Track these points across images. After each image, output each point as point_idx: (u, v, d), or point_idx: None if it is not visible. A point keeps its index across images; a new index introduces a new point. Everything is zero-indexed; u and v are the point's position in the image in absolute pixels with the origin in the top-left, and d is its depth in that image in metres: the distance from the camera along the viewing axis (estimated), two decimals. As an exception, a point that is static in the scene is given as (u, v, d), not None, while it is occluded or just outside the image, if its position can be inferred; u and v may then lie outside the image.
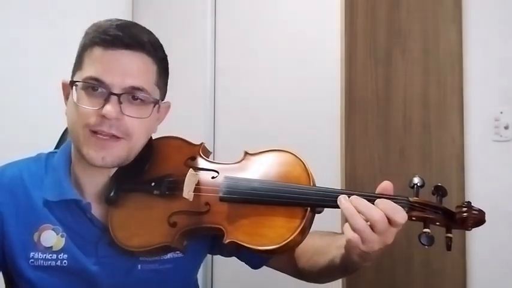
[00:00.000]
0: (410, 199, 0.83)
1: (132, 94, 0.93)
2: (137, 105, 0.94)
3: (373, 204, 0.81)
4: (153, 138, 1.05)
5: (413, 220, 0.82)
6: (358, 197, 0.82)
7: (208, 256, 1.88)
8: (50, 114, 1.78)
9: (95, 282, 0.96)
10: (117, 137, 0.93)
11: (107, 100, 0.91)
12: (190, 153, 1.01)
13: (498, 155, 1.73)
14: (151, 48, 0.96)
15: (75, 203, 0.97)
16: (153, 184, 0.96)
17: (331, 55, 1.57)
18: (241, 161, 0.98)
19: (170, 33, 2.07)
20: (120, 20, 0.98)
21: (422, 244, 0.80)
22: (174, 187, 0.95)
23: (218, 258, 1.89)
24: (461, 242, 1.73)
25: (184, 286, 1.07)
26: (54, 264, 0.95)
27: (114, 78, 0.92)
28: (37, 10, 2.07)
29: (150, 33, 0.99)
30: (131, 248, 0.93)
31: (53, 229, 0.96)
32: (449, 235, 0.83)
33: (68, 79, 0.98)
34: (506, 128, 1.71)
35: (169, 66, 1.04)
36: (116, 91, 0.92)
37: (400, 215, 0.80)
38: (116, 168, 0.99)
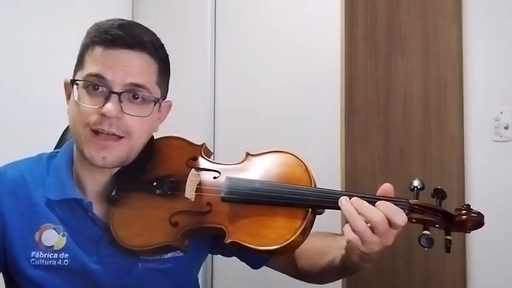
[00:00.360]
0: (411, 201, 0.84)
1: (133, 92, 0.95)
2: (138, 104, 0.95)
3: (374, 206, 0.82)
4: (155, 138, 1.05)
5: (413, 222, 0.84)
6: (359, 198, 0.83)
7: (208, 256, 1.88)
8: (50, 114, 1.79)
9: (96, 281, 0.97)
10: (118, 137, 0.94)
11: (107, 99, 0.92)
12: (192, 153, 1.02)
13: (498, 155, 1.73)
14: (153, 47, 0.97)
15: (77, 202, 0.98)
16: (154, 184, 0.97)
17: (331, 55, 1.57)
18: (242, 161, 0.99)
19: (170, 33, 2.07)
20: (122, 19, 0.99)
21: (422, 246, 0.82)
22: (175, 187, 0.96)
23: (218, 258, 1.90)
24: (461, 242, 1.74)
25: (184, 285, 1.07)
26: (55, 263, 0.96)
27: (115, 75, 0.93)
28: (37, 10, 2.07)
29: (151, 33, 1.00)
30: (132, 247, 0.94)
31: (54, 228, 0.97)
32: (448, 237, 0.84)
33: (70, 78, 0.99)
34: (506, 128, 1.71)
35: (169, 67, 1.05)
36: (116, 89, 0.93)
37: (400, 217, 0.81)
38: (117, 168, 0.99)
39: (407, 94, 1.69)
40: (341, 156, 1.54)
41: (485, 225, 1.82)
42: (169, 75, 1.05)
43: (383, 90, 1.65)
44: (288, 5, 1.74)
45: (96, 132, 0.93)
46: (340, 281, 1.51)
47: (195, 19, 2.03)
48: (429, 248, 0.81)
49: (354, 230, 0.81)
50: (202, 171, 0.98)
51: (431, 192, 0.87)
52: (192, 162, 1.00)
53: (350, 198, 0.84)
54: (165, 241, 0.92)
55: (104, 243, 0.97)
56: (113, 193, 0.97)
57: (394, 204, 0.82)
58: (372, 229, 0.81)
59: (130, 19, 2.33)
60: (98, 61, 0.94)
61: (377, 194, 0.86)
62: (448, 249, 0.83)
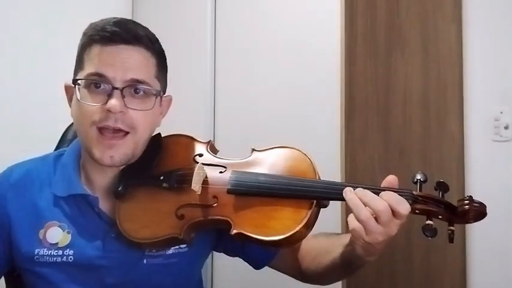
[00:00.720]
0: (414, 192, 0.86)
1: (134, 87, 0.96)
2: (140, 98, 0.97)
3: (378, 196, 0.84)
4: (162, 136, 1.08)
5: (416, 213, 0.85)
6: (363, 188, 0.85)
7: (208, 257, 1.88)
8: (50, 114, 1.79)
9: (101, 276, 0.98)
10: (123, 133, 0.96)
11: (110, 95, 0.94)
12: (199, 150, 1.05)
13: (498, 155, 1.74)
14: (149, 42, 0.99)
15: (83, 198, 1.00)
16: (161, 178, 0.99)
17: (331, 55, 1.58)
18: (248, 157, 1.01)
19: (170, 33, 2.08)
20: (116, 17, 1.01)
21: (426, 236, 0.83)
22: (182, 180, 0.98)
23: (218, 259, 1.90)
24: (462, 241, 1.75)
25: (188, 281, 1.08)
26: (60, 260, 0.98)
27: (115, 72, 0.94)
28: (37, 10, 2.08)
29: (146, 28, 1.02)
30: (139, 240, 0.95)
31: (59, 226, 0.99)
32: (451, 228, 0.85)
33: (69, 82, 1.00)
34: (506, 128, 1.72)
35: (169, 66, 1.07)
36: (117, 85, 0.94)
37: (404, 206, 0.82)
38: (122, 166, 1.01)
39: (407, 94, 1.70)
40: (341, 156, 1.55)
41: (485, 224, 1.82)
42: (167, 69, 1.07)
43: (383, 90, 1.65)
44: (288, 5, 1.75)
45: (102, 131, 0.95)
46: (340, 282, 1.51)
47: (195, 19, 2.04)
48: (433, 237, 0.83)
49: (358, 219, 0.83)
50: (209, 166, 1.00)
51: (433, 185, 0.89)
52: (198, 158, 1.03)
53: (354, 189, 0.86)
54: (171, 233, 0.94)
55: (110, 238, 0.99)
56: (120, 188, 0.99)
57: (398, 194, 0.84)
58: (376, 218, 0.82)
59: (130, 18, 2.34)
60: (97, 59, 0.95)
61: (381, 186, 0.88)
62: (451, 240, 0.84)
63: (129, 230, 0.95)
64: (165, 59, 1.05)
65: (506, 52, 1.75)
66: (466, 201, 0.85)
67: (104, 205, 1.01)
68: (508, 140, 1.73)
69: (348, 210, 0.87)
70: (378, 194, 0.84)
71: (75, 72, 1.00)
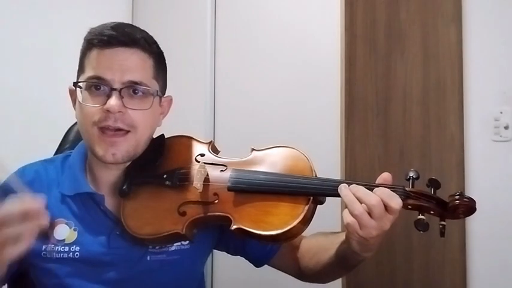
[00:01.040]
0: (406, 188, 0.91)
1: (132, 88, 1.00)
2: (138, 98, 1.02)
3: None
4: (166, 137, 1.11)
5: (409, 208, 0.89)
6: (357, 185, 0.90)
7: (209, 257, 1.89)
8: (51, 114, 1.80)
9: (105, 272, 1.02)
10: (124, 132, 1.00)
11: (109, 96, 0.98)
12: (200, 150, 1.09)
13: (498, 155, 1.74)
14: (146, 43, 1.04)
15: (90, 196, 1.05)
16: (165, 176, 1.03)
17: (331, 55, 1.59)
18: (248, 156, 1.06)
19: (170, 33, 2.09)
20: (114, 22, 1.05)
21: (418, 230, 0.87)
22: (184, 178, 1.03)
23: (218, 258, 1.91)
24: (462, 241, 1.75)
25: (190, 277, 1.11)
26: (66, 256, 1.01)
27: (113, 74, 0.99)
28: (38, 11, 2.09)
29: (143, 31, 1.06)
30: (143, 236, 1.00)
31: (66, 223, 1.03)
32: (443, 223, 0.89)
33: (72, 86, 1.05)
34: (506, 128, 1.73)
35: (169, 66, 1.11)
36: (116, 86, 0.99)
37: (396, 201, 0.86)
38: (129, 163, 1.06)
39: (407, 94, 1.70)
40: (341, 156, 1.56)
41: (485, 224, 1.83)
42: (166, 70, 1.11)
43: (383, 90, 1.66)
44: (288, 5, 1.76)
45: (103, 130, 0.99)
46: (339, 281, 1.52)
47: (195, 19, 2.04)
48: (425, 231, 0.87)
49: (352, 214, 0.87)
50: (210, 165, 1.04)
51: (425, 183, 0.92)
52: (200, 158, 1.07)
53: (349, 186, 0.90)
54: (174, 229, 0.98)
55: (115, 235, 1.03)
56: (125, 187, 1.03)
57: (391, 190, 0.88)
58: (369, 213, 0.86)
59: (130, 20, 2.37)
60: (96, 63, 1.00)
61: (376, 182, 0.92)
62: (442, 234, 0.88)
63: (133, 227, 1.00)
64: (164, 60, 1.09)
65: (506, 52, 1.75)
66: (456, 197, 0.89)
67: (109, 203, 1.05)
68: (508, 140, 1.74)
69: (345, 207, 0.90)
70: (371, 190, 0.88)
71: (78, 76, 1.04)
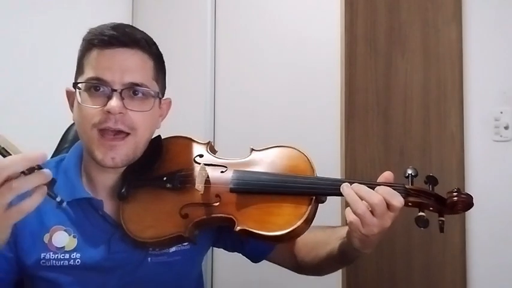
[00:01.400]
0: (407, 186, 0.93)
1: (133, 89, 1.00)
2: (139, 100, 1.00)
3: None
4: (162, 138, 1.11)
5: (409, 206, 0.91)
6: (359, 184, 0.91)
7: (209, 255, 1.89)
8: (52, 114, 1.80)
9: (107, 277, 1.01)
10: (124, 134, 0.99)
11: (109, 97, 0.97)
12: (199, 150, 1.08)
13: (498, 155, 1.75)
14: (146, 44, 1.03)
15: (88, 201, 1.03)
16: (164, 179, 1.02)
17: (331, 55, 1.59)
18: (247, 157, 1.06)
19: (170, 33, 2.09)
20: (114, 22, 1.04)
21: (419, 226, 0.89)
22: (185, 180, 1.02)
23: (218, 258, 1.91)
24: (461, 240, 1.76)
25: (191, 276, 1.12)
26: (67, 263, 1.00)
27: (113, 76, 0.98)
28: (38, 11, 2.09)
29: (143, 32, 1.06)
30: (145, 240, 0.99)
31: (65, 230, 1.01)
32: (441, 219, 0.92)
33: (70, 87, 1.03)
34: (506, 128, 1.73)
35: (169, 66, 1.11)
36: (116, 87, 0.98)
37: (398, 199, 0.88)
38: (125, 167, 1.04)
39: (407, 94, 1.71)
40: (341, 157, 1.56)
41: (485, 224, 1.83)
42: (165, 72, 1.10)
43: (383, 90, 1.66)
44: (287, 5, 1.77)
45: (102, 133, 0.98)
46: (340, 278, 1.52)
47: (195, 19, 2.05)
48: (425, 227, 0.89)
49: (355, 213, 0.88)
50: (210, 166, 1.04)
51: (424, 179, 0.95)
52: (199, 159, 1.06)
53: (351, 185, 0.91)
54: (176, 232, 0.97)
55: (115, 239, 1.01)
56: (123, 190, 1.01)
57: (392, 188, 0.90)
58: (372, 211, 0.87)
59: (130, 20, 2.37)
60: (96, 63, 0.99)
61: (377, 181, 0.93)
62: (441, 229, 0.90)
63: (135, 231, 0.99)
64: (163, 62, 1.08)
65: (506, 52, 1.76)
66: (454, 193, 0.91)
67: (107, 207, 1.04)
68: (508, 140, 1.74)
69: (346, 204, 0.92)
70: (373, 188, 0.89)
71: (76, 77, 1.03)
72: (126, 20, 2.20)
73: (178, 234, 0.97)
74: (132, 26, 1.06)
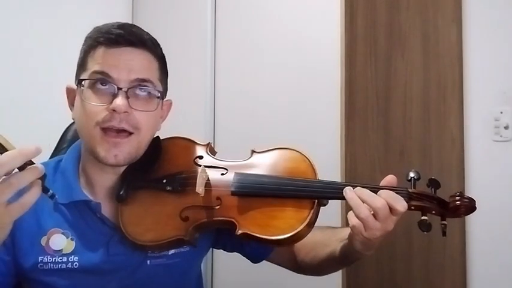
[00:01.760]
0: (409, 190, 0.92)
1: (139, 87, 0.99)
2: (144, 100, 1.00)
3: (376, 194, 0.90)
4: (161, 139, 1.10)
5: (412, 209, 0.91)
6: (362, 187, 0.91)
7: (208, 256, 1.89)
8: (51, 114, 1.79)
9: (106, 280, 1.00)
10: (127, 133, 0.98)
11: (114, 95, 0.96)
12: (199, 152, 1.07)
13: (498, 155, 1.75)
14: (152, 45, 1.03)
15: (85, 204, 1.02)
16: (164, 181, 1.01)
17: (331, 55, 1.59)
18: (248, 158, 1.04)
19: (170, 33, 2.09)
20: (118, 22, 1.04)
21: (422, 230, 0.89)
22: (186, 183, 1.01)
23: (218, 258, 1.91)
24: (462, 241, 1.76)
25: (191, 278, 1.12)
26: (64, 266, 0.99)
27: (119, 73, 0.97)
28: (38, 11, 2.09)
29: (148, 33, 1.05)
30: (144, 243, 0.98)
31: (62, 233, 1.00)
32: (444, 222, 0.92)
33: (71, 84, 1.03)
34: (506, 128, 1.73)
35: (169, 66, 1.10)
36: (122, 85, 0.97)
37: (401, 203, 0.88)
38: (125, 167, 1.03)
39: (407, 94, 1.71)
40: (341, 157, 1.56)
41: (485, 224, 1.83)
42: (168, 75, 1.10)
43: (383, 90, 1.66)
44: (288, 5, 1.77)
45: (105, 131, 0.96)
46: (339, 279, 1.52)
47: (195, 19, 2.04)
48: (428, 231, 0.89)
49: (357, 217, 0.88)
50: (210, 168, 1.03)
51: (426, 182, 0.94)
52: (199, 161, 1.05)
53: (354, 188, 0.91)
54: (177, 235, 0.96)
55: (114, 242, 1.00)
56: (122, 192, 1.00)
57: (395, 192, 0.89)
58: (374, 216, 0.87)
59: (130, 19, 2.38)
60: (102, 60, 0.97)
61: (380, 185, 0.93)
62: (444, 233, 0.90)
63: (134, 234, 0.98)
64: (166, 64, 1.08)
65: (506, 52, 1.76)
66: (457, 197, 0.91)
67: (105, 209, 1.02)
68: (508, 140, 1.74)
69: (348, 207, 0.92)
70: (376, 192, 0.89)
71: (78, 75, 1.01)
72: (126, 20, 2.19)
73: (179, 237, 0.96)
74: (137, 27, 1.05)
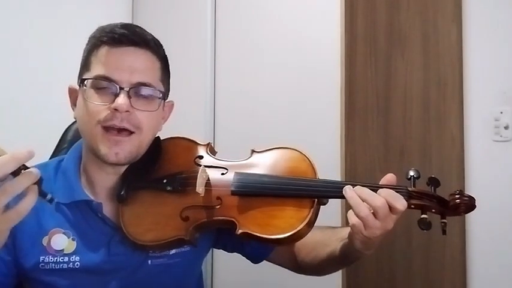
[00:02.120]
0: (409, 188, 0.92)
1: (140, 89, 0.99)
2: (145, 100, 1.00)
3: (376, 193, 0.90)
4: (161, 139, 1.10)
5: (411, 208, 0.91)
6: (362, 186, 0.91)
7: (209, 256, 1.89)
8: (51, 114, 1.80)
9: (107, 280, 1.01)
10: (129, 132, 0.99)
11: (116, 95, 0.97)
12: (199, 152, 1.08)
13: (498, 155, 1.75)
14: (155, 46, 1.03)
15: (86, 204, 1.02)
16: (165, 181, 1.02)
17: (331, 55, 1.59)
18: (248, 158, 1.05)
19: (170, 33, 2.09)
20: (121, 22, 1.04)
21: (421, 228, 0.89)
22: (186, 183, 1.01)
23: (218, 258, 1.91)
24: (461, 240, 1.76)
25: (191, 278, 1.12)
26: (66, 266, 0.99)
27: (122, 75, 0.97)
28: (38, 11, 2.09)
29: (151, 34, 1.05)
30: (145, 243, 0.98)
31: (63, 233, 1.00)
32: (444, 221, 0.92)
33: (74, 84, 1.03)
34: (506, 128, 1.73)
35: (169, 66, 1.10)
36: (124, 85, 0.97)
37: (401, 202, 0.88)
38: (125, 167, 1.04)
39: (407, 94, 1.71)
40: (341, 157, 1.56)
41: (485, 224, 1.82)
42: (170, 75, 1.10)
43: (383, 90, 1.66)
44: (288, 5, 1.77)
45: (107, 129, 0.97)
46: (339, 279, 1.52)
47: (195, 19, 2.05)
48: (427, 230, 0.89)
49: (357, 216, 0.88)
50: (211, 168, 1.03)
51: (426, 181, 0.94)
52: (199, 161, 1.06)
53: (353, 187, 0.91)
54: (177, 235, 0.97)
55: (115, 242, 1.01)
56: (122, 192, 1.00)
57: (395, 191, 0.89)
58: (374, 214, 0.87)
59: (130, 19, 2.38)
60: (105, 60, 0.98)
61: (380, 183, 0.93)
62: (444, 232, 0.91)
63: (135, 234, 0.98)
64: (168, 65, 1.09)
65: (506, 52, 1.76)
66: (457, 196, 0.91)
67: (106, 209, 1.03)
68: (508, 140, 1.74)
69: (348, 207, 0.92)
70: (375, 191, 0.89)
71: (81, 74, 1.02)
72: (126, 20, 2.20)
73: (179, 237, 0.96)
74: (141, 27, 1.05)
